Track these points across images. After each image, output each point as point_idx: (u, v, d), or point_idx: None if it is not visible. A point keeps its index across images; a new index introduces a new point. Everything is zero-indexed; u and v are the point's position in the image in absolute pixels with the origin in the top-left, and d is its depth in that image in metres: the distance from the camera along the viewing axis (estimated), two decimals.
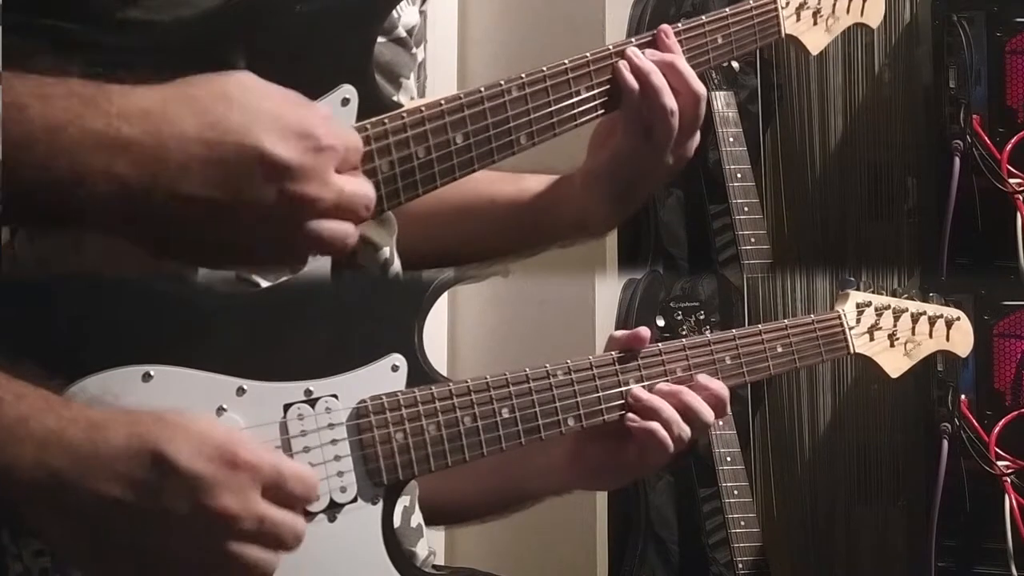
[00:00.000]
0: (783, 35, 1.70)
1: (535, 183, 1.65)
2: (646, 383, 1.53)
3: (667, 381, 1.54)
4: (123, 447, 1.19)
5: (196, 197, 1.20)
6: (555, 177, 1.64)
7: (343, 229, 1.25)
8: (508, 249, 1.69)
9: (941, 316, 1.85)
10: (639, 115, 1.53)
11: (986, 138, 2.76)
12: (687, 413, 1.54)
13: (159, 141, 1.19)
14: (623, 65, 1.52)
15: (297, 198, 1.22)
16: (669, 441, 1.53)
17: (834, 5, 1.75)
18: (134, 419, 1.21)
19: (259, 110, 1.22)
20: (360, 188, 1.27)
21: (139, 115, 1.19)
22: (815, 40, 1.74)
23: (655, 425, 1.52)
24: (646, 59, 1.53)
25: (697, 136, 1.57)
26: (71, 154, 1.17)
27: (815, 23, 1.73)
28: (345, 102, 1.33)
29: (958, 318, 1.87)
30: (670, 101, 1.52)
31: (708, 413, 1.55)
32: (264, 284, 1.32)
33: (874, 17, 1.80)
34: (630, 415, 1.52)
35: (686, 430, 1.54)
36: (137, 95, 1.20)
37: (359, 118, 1.34)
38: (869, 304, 1.77)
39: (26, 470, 1.18)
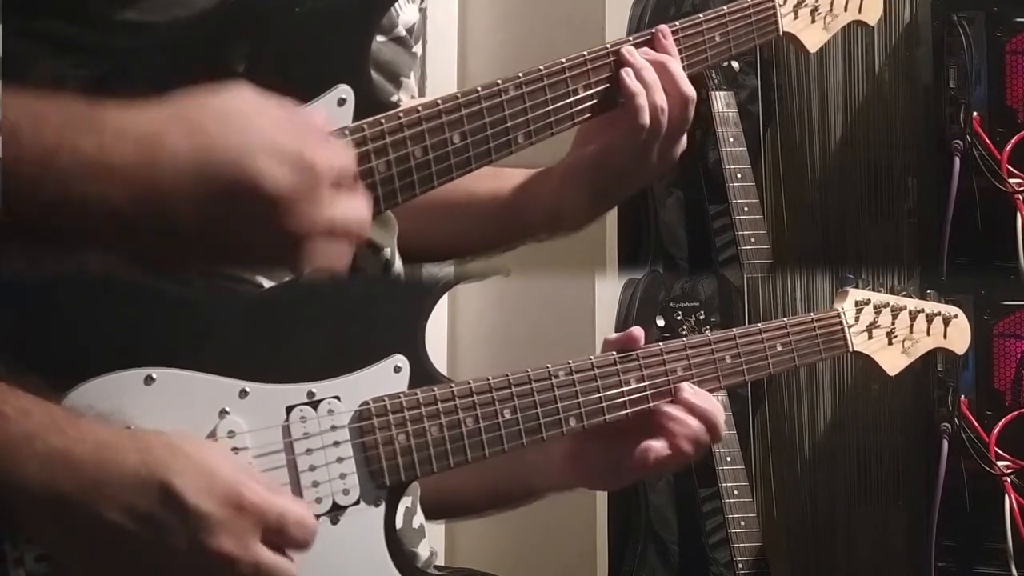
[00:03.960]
0: (781, 33, 1.70)
1: (514, 178, 1.64)
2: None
3: (669, 380, 1.55)
4: (131, 474, 1.19)
5: (188, 222, 1.19)
6: (534, 171, 1.64)
7: (337, 252, 1.25)
8: (486, 243, 1.68)
9: (939, 313, 1.85)
10: (640, 117, 1.53)
11: (986, 138, 2.76)
12: (708, 423, 1.55)
13: (151, 166, 1.18)
14: (626, 71, 1.52)
15: (289, 231, 1.21)
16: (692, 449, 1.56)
17: (832, 2, 1.74)
18: (144, 444, 1.21)
19: (255, 133, 1.20)
20: (354, 211, 1.26)
21: (132, 139, 1.18)
22: (813, 38, 1.74)
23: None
24: (639, 56, 1.53)
25: (684, 140, 1.57)
26: (62, 179, 1.16)
27: (813, 21, 1.73)
28: (341, 102, 1.33)
29: (955, 315, 1.87)
30: (660, 98, 1.52)
31: (722, 428, 1.57)
32: (267, 285, 1.32)
33: (872, 14, 1.80)
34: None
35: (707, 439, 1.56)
36: (131, 117, 1.19)
37: (355, 118, 1.33)
38: (868, 302, 1.77)
39: (30, 489, 1.17)
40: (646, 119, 1.52)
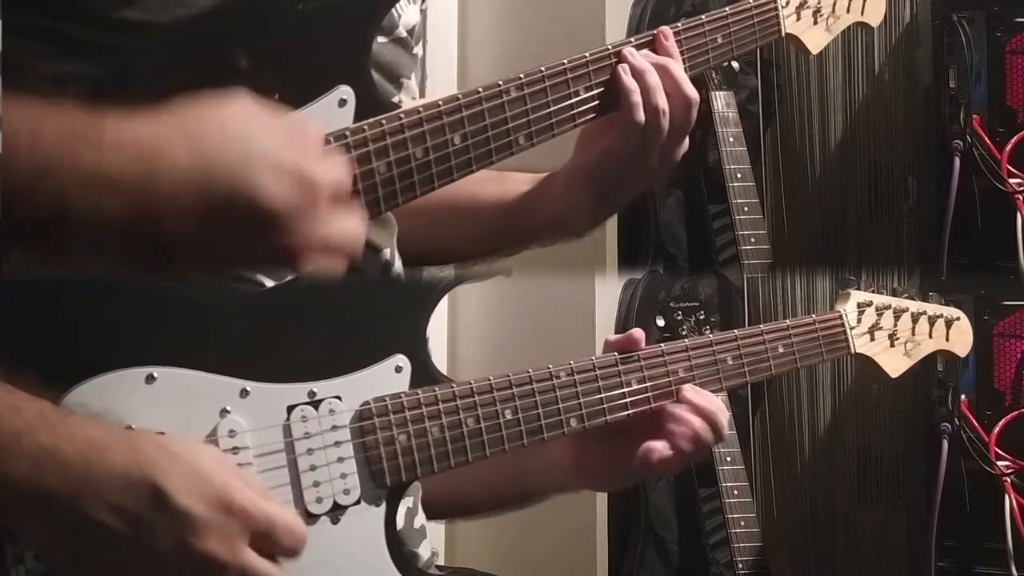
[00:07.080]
0: (783, 34, 1.70)
1: (519, 182, 1.64)
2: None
3: (671, 381, 1.55)
4: (120, 473, 1.18)
5: (185, 234, 1.19)
6: (539, 176, 1.64)
7: (330, 267, 1.25)
8: (490, 248, 1.68)
9: (941, 316, 1.85)
10: (634, 115, 1.53)
11: (986, 138, 2.76)
12: (711, 422, 1.55)
13: (150, 178, 1.18)
14: (622, 68, 1.52)
15: (284, 247, 1.22)
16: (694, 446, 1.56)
17: (834, 4, 1.74)
18: (133, 444, 1.20)
19: (255, 147, 1.21)
20: (349, 228, 1.26)
21: (132, 151, 1.18)
22: (815, 39, 1.74)
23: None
24: (641, 59, 1.53)
25: (686, 142, 1.56)
26: (59, 190, 1.16)
27: (815, 22, 1.73)
28: (342, 103, 1.33)
29: (958, 318, 1.87)
30: (662, 101, 1.52)
31: (725, 427, 1.57)
32: (269, 284, 1.32)
33: (874, 16, 1.80)
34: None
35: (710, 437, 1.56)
36: (131, 128, 1.19)
37: (356, 119, 1.33)
38: (870, 304, 1.77)
39: (18, 487, 1.17)
40: (641, 116, 1.52)
